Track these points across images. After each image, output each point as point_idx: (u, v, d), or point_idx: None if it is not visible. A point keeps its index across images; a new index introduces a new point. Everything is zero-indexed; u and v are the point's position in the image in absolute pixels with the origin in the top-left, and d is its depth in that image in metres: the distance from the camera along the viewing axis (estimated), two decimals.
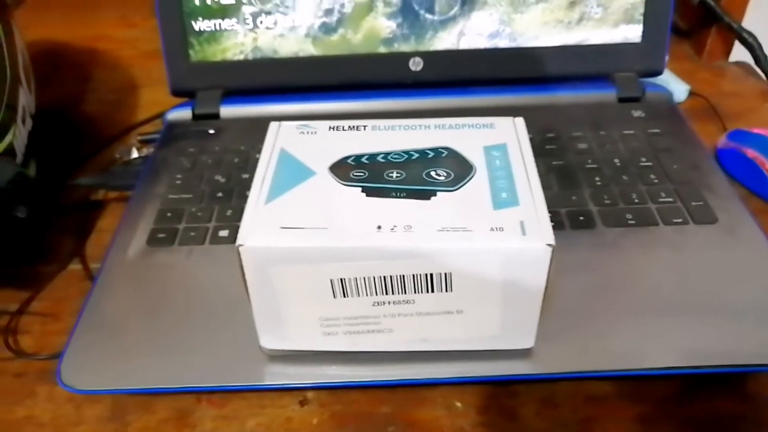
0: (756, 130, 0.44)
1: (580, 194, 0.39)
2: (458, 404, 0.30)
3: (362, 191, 0.28)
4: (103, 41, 0.63)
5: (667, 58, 0.47)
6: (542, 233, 0.26)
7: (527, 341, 0.29)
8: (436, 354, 0.30)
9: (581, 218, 0.37)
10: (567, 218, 0.37)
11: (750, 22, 0.55)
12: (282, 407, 0.31)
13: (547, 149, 0.42)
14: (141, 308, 0.33)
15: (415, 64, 0.46)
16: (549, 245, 0.25)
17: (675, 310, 0.32)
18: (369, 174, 0.29)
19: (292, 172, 0.29)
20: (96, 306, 0.33)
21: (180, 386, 0.30)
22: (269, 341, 0.30)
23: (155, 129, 0.48)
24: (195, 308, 0.33)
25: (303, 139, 0.31)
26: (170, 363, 0.31)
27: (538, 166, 0.40)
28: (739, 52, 0.56)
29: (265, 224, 0.26)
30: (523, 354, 0.30)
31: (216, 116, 0.47)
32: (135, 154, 0.46)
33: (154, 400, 0.31)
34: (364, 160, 0.30)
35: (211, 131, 0.45)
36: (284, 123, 0.32)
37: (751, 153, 0.42)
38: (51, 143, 0.49)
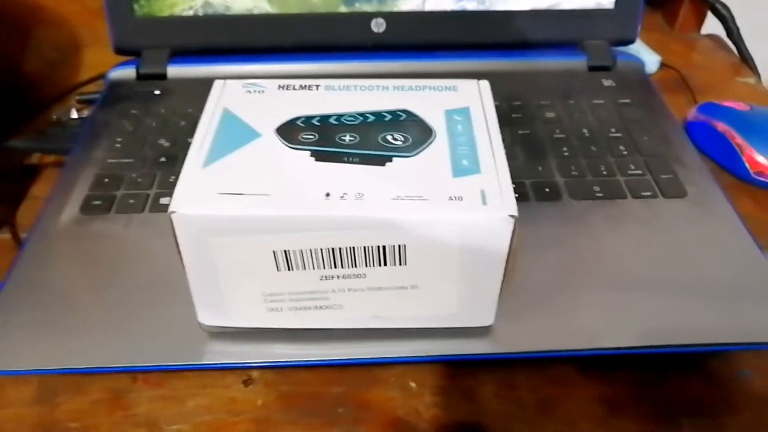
0: (727, 103, 0.43)
1: (547, 165, 0.37)
2: (413, 384, 0.29)
3: (311, 155, 0.25)
4: None
5: (639, 26, 0.46)
6: (504, 203, 0.24)
7: (486, 319, 0.27)
8: (390, 332, 0.28)
9: (547, 190, 0.35)
10: (532, 189, 0.35)
11: None
12: (225, 387, 0.29)
13: (513, 118, 0.40)
14: (72, 280, 0.31)
15: (378, 26, 0.44)
16: (511, 216, 0.23)
17: (642, 286, 0.30)
18: (319, 137, 0.26)
19: (235, 133, 0.26)
20: (21, 277, 0.30)
21: (113, 366, 0.28)
22: (209, 317, 0.27)
23: (98, 89, 0.45)
24: (131, 281, 0.30)
25: (249, 99, 0.28)
26: (103, 340, 0.28)
27: (503, 135, 0.38)
28: (711, 25, 0.55)
29: (201, 190, 0.24)
30: (481, 332, 0.28)
31: (163, 76, 0.44)
32: (74, 116, 0.43)
33: (85, 381, 0.29)
34: (314, 122, 0.27)
35: (157, 92, 0.42)
36: (230, 81, 0.30)
37: (721, 126, 0.41)
38: None
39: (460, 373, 0.29)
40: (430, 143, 0.26)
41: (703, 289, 0.30)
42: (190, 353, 0.28)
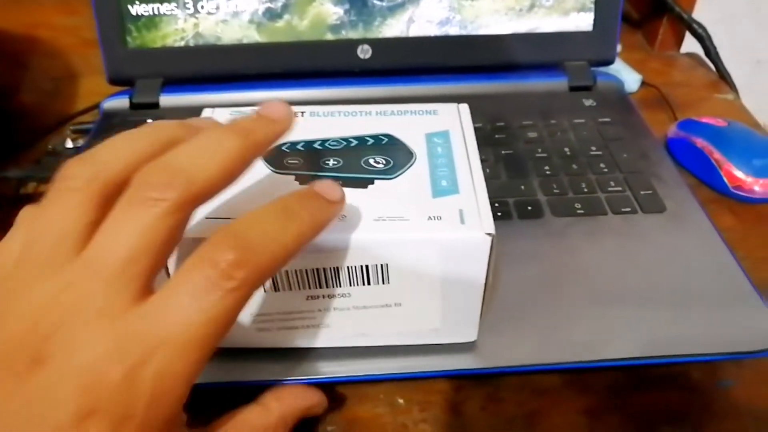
0: (705, 120, 0.44)
1: (529, 183, 0.38)
2: (400, 401, 0.29)
3: (296, 179, 0.26)
4: (43, 28, 0.60)
5: (618, 47, 0.47)
6: (482, 222, 0.25)
7: (470, 334, 0.28)
8: (377, 349, 0.28)
9: (529, 208, 0.36)
10: (515, 208, 0.36)
11: (700, 13, 0.55)
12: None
13: (496, 138, 0.41)
14: None
15: (364, 52, 0.45)
16: (488, 234, 0.24)
17: (623, 300, 0.31)
18: (304, 161, 0.27)
19: None
20: None
21: None
22: None
23: (93, 119, 0.46)
24: None
25: None
26: None
27: (486, 155, 0.40)
28: (691, 44, 0.56)
29: None
30: (466, 348, 0.29)
31: (155, 105, 0.45)
32: (69, 145, 0.44)
33: None
34: (299, 147, 0.28)
35: (150, 121, 0.43)
36: (218, 109, 0.31)
37: (699, 142, 0.42)
38: None
39: (446, 389, 0.30)
40: (411, 166, 0.27)
41: (683, 302, 0.31)
42: None
